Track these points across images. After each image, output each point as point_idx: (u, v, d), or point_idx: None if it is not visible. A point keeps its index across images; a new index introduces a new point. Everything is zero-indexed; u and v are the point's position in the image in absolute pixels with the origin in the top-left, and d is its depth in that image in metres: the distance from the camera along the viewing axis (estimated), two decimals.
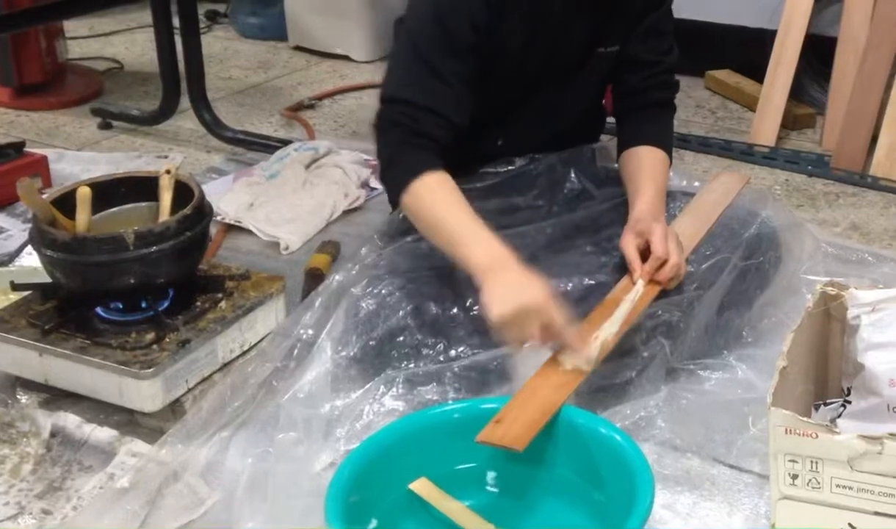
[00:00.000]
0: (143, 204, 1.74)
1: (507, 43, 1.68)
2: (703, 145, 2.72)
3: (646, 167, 1.77)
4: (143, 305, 1.64)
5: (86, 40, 3.84)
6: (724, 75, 3.16)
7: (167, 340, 1.59)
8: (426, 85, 1.61)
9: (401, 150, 1.62)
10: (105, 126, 2.99)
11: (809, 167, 2.58)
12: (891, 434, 1.10)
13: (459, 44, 1.62)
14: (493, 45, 1.65)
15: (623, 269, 1.65)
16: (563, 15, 1.70)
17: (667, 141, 1.84)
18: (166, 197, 1.70)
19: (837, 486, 1.14)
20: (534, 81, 1.77)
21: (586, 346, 1.46)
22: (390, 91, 1.65)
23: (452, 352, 1.55)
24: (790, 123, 2.82)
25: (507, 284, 1.45)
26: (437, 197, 1.58)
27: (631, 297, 1.57)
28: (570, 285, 1.66)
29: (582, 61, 1.78)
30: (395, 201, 1.66)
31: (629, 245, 1.63)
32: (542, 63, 1.74)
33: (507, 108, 1.80)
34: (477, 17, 1.62)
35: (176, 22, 2.73)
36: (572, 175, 1.85)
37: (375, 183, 2.45)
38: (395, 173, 1.63)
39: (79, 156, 2.78)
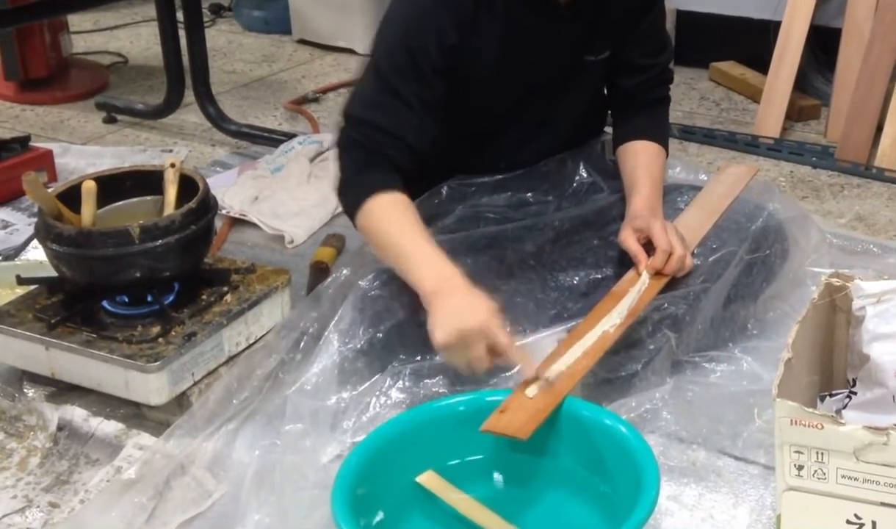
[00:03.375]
0: (149, 198, 1.74)
1: (483, 62, 1.65)
2: (708, 137, 2.72)
3: (641, 163, 1.76)
4: (149, 298, 1.64)
5: (90, 34, 3.84)
6: (729, 67, 3.16)
7: (173, 333, 1.59)
8: (388, 108, 1.59)
9: (357, 170, 1.60)
10: (110, 120, 2.99)
11: (814, 159, 2.57)
12: None
13: (426, 67, 1.59)
14: (466, 66, 1.63)
15: (629, 262, 1.65)
16: (542, 29, 1.67)
17: (662, 134, 1.84)
18: (171, 191, 1.71)
19: (843, 477, 1.14)
20: (520, 97, 1.74)
21: (529, 364, 1.41)
22: (352, 111, 1.64)
23: None
24: (795, 114, 2.82)
25: (451, 308, 1.43)
26: (389, 217, 1.56)
27: (636, 289, 1.57)
28: (577, 278, 1.66)
29: (568, 73, 1.75)
30: (351, 221, 1.63)
31: (629, 239, 1.63)
32: (525, 79, 1.71)
33: (500, 127, 1.78)
34: (446, 39, 1.59)
35: (180, 16, 2.73)
36: (581, 169, 1.85)
37: None
38: (351, 192, 1.61)
39: (84, 150, 2.78)
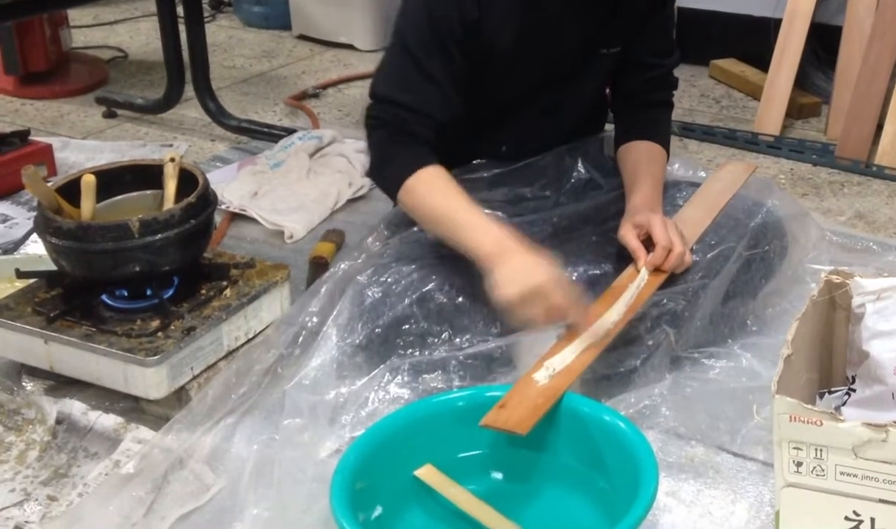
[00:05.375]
0: (148, 192, 1.74)
1: (500, 42, 1.66)
2: (708, 134, 2.72)
3: (643, 161, 1.77)
4: (148, 293, 1.64)
5: (90, 29, 3.84)
6: (729, 64, 3.16)
7: (172, 327, 1.59)
8: (413, 84, 1.61)
9: (390, 148, 1.63)
10: (109, 115, 2.99)
11: (814, 156, 2.57)
12: (895, 422, 1.10)
13: (449, 41, 1.61)
14: (484, 45, 1.64)
15: (628, 258, 1.65)
16: (558, 17, 1.68)
17: (664, 136, 1.85)
18: (171, 185, 1.70)
19: (842, 474, 1.14)
20: (532, 83, 1.75)
21: (594, 322, 1.47)
22: (378, 89, 1.66)
23: (457, 340, 1.56)
24: (795, 112, 2.82)
25: (514, 267, 1.46)
26: (435, 190, 1.58)
27: (635, 285, 1.57)
28: (576, 274, 1.66)
29: (582, 63, 1.77)
30: (392, 199, 1.67)
31: (629, 235, 1.63)
32: (538, 65, 1.73)
33: (508, 112, 1.79)
34: (467, 14, 1.61)
35: (180, 11, 2.73)
36: (580, 165, 1.85)
37: None
38: (390, 172, 1.63)
39: (83, 144, 2.78)
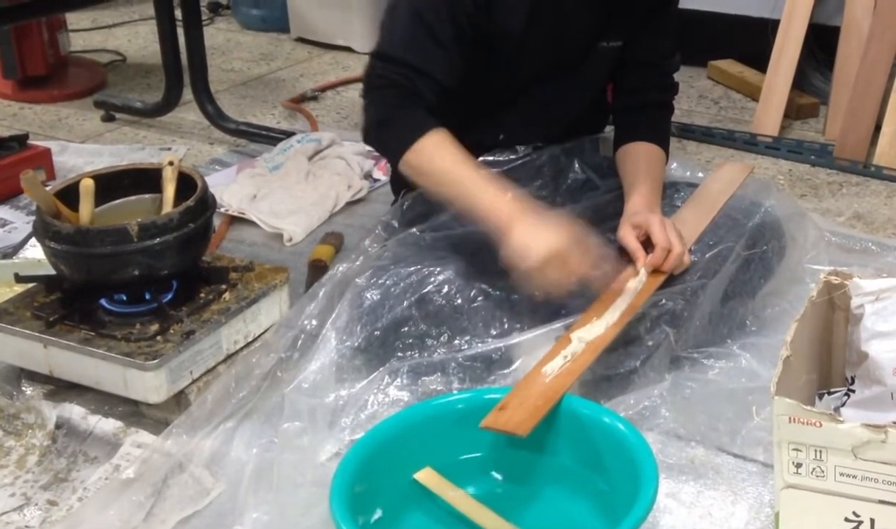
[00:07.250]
0: (147, 196, 1.74)
1: (509, 25, 1.67)
2: (707, 135, 2.72)
3: (642, 162, 1.77)
4: (147, 296, 1.64)
5: (88, 33, 3.84)
6: (728, 65, 3.16)
7: (171, 331, 1.59)
8: (423, 47, 1.61)
9: (396, 109, 1.62)
10: (108, 118, 2.99)
11: (813, 157, 2.58)
12: (895, 423, 1.10)
13: (460, 12, 1.61)
14: (493, 26, 1.65)
15: (627, 259, 1.65)
16: (567, 5, 1.69)
17: (663, 139, 1.85)
18: (169, 189, 1.70)
19: (841, 475, 1.14)
20: (535, 72, 1.76)
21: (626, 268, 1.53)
22: (387, 48, 1.65)
23: (456, 342, 1.56)
24: (793, 112, 2.82)
25: (535, 230, 1.47)
26: (444, 153, 1.58)
27: (634, 286, 1.57)
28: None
29: (584, 56, 1.78)
30: (392, 160, 1.66)
31: (628, 236, 1.64)
32: (543, 53, 1.73)
33: (509, 101, 1.80)
34: None
35: (178, 14, 2.73)
36: (576, 165, 1.85)
37: (378, 174, 2.46)
38: (395, 131, 1.62)
39: (82, 148, 2.78)
